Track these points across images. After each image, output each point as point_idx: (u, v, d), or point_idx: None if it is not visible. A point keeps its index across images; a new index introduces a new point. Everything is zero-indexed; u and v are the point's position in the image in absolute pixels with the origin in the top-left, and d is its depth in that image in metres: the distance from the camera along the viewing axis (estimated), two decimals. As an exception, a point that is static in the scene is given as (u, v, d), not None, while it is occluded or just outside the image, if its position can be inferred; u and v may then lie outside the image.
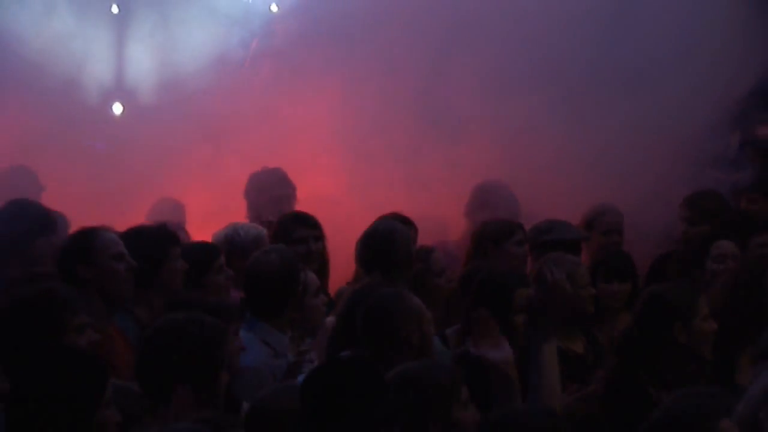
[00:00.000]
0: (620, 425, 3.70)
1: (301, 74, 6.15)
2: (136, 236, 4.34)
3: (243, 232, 5.03)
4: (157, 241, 4.30)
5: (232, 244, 4.87)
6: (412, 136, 6.18)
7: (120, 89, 6.48)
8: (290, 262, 4.46)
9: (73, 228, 4.77)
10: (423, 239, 5.28)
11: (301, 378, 3.39)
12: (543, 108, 6.07)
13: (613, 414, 3.82)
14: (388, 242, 4.40)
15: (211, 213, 5.61)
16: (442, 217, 5.92)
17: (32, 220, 4.68)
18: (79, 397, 2.86)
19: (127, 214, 5.27)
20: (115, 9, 6.38)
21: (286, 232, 5.01)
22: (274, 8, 6.42)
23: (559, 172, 5.93)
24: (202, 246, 4.72)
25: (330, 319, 4.35)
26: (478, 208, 5.62)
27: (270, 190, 5.57)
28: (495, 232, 5.04)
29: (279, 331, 4.12)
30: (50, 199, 5.14)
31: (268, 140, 6.00)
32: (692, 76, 6.17)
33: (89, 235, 4.13)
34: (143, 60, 6.43)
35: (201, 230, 5.40)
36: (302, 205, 5.60)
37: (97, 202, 5.41)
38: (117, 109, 6.32)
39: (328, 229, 5.05)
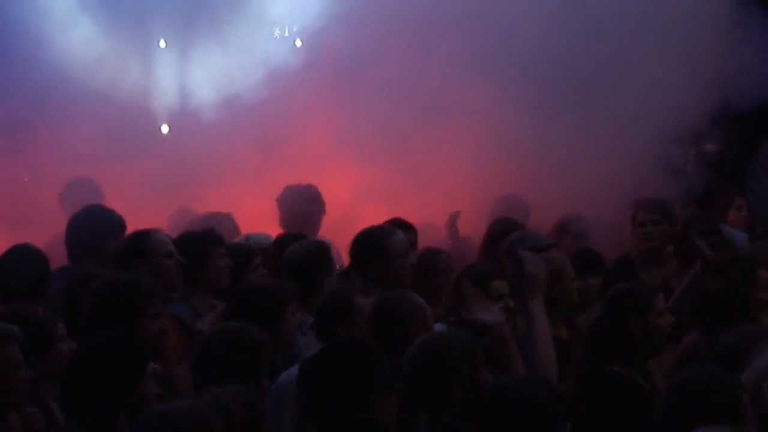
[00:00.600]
0: (590, 407, 3.77)
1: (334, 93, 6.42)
2: (185, 239, 4.66)
3: (253, 241, 5.24)
4: (202, 242, 4.54)
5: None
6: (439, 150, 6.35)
7: (176, 108, 6.74)
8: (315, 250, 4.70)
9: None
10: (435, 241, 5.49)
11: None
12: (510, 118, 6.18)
13: (583, 396, 3.88)
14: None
15: (262, 220, 5.78)
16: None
17: (104, 223, 4.94)
18: (125, 372, 3.07)
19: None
20: (162, 44, 6.72)
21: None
22: (298, 43, 6.68)
23: (529, 179, 6.15)
24: (242, 248, 4.93)
25: None
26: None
27: (299, 205, 5.74)
28: (495, 233, 5.23)
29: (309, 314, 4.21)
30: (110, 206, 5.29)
31: (310, 151, 6.25)
32: (658, 84, 6.19)
33: (143, 236, 4.42)
34: (198, 80, 6.74)
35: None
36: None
37: (153, 209, 5.75)
38: (164, 129, 6.64)
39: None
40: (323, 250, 4.68)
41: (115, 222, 4.92)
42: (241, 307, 4.03)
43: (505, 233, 5.00)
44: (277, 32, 6.72)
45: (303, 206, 5.78)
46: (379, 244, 4.53)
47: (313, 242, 4.89)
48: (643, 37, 6.29)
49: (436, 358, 3.18)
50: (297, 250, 4.72)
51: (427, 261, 4.87)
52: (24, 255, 4.52)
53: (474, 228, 5.98)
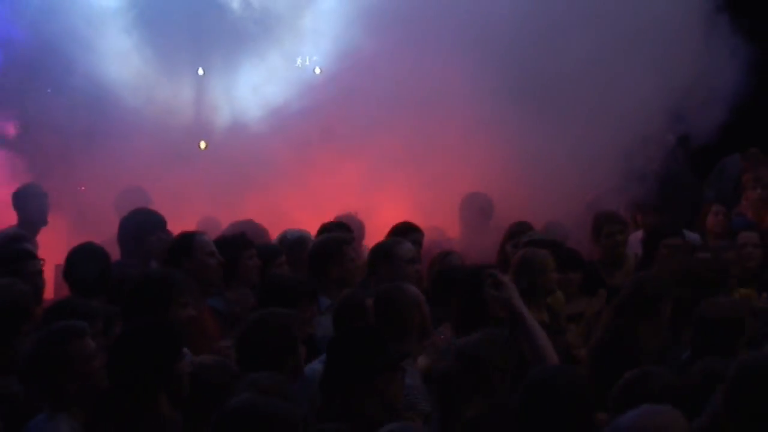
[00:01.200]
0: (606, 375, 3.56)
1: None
2: (220, 242, 4.82)
3: (289, 234, 5.43)
4: (236, 245, 4.77)
5: (281, 243, 5.32)
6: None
7: (214, 125, 7.03)
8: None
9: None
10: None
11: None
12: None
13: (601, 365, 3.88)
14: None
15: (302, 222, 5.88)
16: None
17: (148, 223, 5.21)
18: (162, 352, 3.19)
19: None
20: (201, 71, 7.01)
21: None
22: (317, 70, 6.97)
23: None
24: (268, 247, 5.15)
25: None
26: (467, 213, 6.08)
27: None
28: (513, 233, 5.38)
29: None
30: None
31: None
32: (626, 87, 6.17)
33: (190, 237, 4.69)
34: (221, 107, 7.05)
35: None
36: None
37: (194, 211, 6.03)
38: (202, 144, 6.96)
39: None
40: (335, 243, 4.83)
41: (158, 222, 5.18)
42: (267, 298, 4.21)
43: (519, 234, 5.26)
44: (299, 61, 6.96)
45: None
46: (389, 252, 4.76)
47: (328, 236, 5.06)
48: (609, 41, 6.27)
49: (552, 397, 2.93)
50: (315, 244, 5.00)
51: (440, 261, 5.05)
52: (89, 252, 4.74)
53: (444, 218, 6.10)
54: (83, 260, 4.64)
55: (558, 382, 2.99)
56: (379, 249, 4.86)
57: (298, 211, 6.11)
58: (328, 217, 5.79)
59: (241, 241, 4.77)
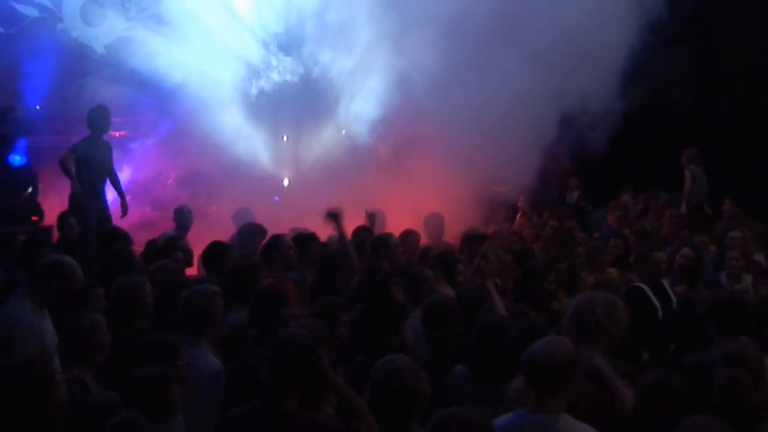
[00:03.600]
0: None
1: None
2: (295, 239, 5.20)
3: (297, 233, 5.55)
4: (299, 242, 5.21)
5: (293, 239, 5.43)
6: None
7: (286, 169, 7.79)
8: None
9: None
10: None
11: None
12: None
13: None
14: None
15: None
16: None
17: (254, 231, 5.65)
18: (268, 306, 3.46)
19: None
20: (285, 138, 7.91)
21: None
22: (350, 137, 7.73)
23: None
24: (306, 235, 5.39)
25: None
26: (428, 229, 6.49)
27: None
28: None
29: None
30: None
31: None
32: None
33: (276, 238, 5.11)
34: (297, 159, 7.85)
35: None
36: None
37: (281, 222, 6.35)
38: (285, 182, 7.92)
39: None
40: (341, 254, 5.09)
41: (259, 229, 5.66)
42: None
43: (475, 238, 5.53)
44: (343, 132, 7.81)
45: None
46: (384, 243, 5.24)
47: (337, 248, 5.27)
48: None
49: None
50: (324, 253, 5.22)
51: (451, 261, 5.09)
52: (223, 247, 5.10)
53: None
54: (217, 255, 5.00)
55: (503, 324, 3.22)
56: (380, 238, 5.36)
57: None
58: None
59: (305, 238, 5.36)
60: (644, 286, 4.89)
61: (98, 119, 6.89)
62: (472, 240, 5.52)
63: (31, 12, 8.09)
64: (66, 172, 6.66)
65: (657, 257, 5.40)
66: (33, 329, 3.64)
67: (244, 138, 7.71)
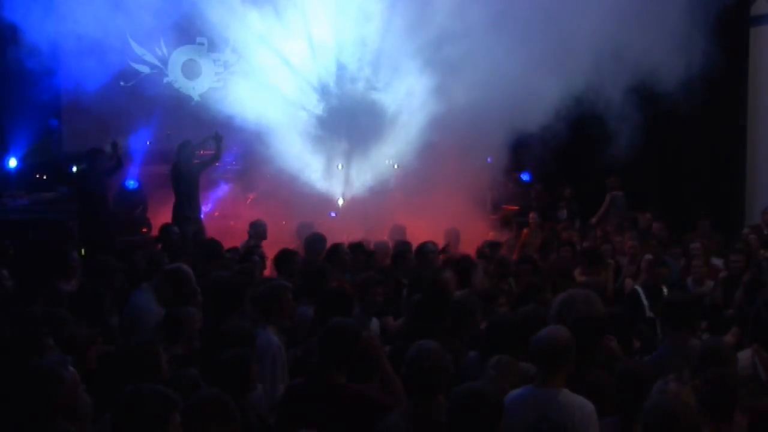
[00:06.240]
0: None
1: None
2: (350, 247, 5.47)
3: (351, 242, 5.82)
4: (354, 250, 5.45)
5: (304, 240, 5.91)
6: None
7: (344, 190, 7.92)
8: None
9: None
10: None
11: None
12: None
13: None
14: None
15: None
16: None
17: (317, 241, 5.74)
18: (336, 303, 3.48)
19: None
20: (339, 167, 7.90)
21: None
22: (396, 166, 7.94)
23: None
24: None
25: None
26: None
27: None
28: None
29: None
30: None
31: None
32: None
33: (336, 246, 5.34)
34: (348, 182, 7.98)
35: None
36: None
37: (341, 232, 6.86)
38: (340, 201, 7.89)
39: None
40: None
41: (320, 239, 5.85)
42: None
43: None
44: (388, 161, 7.98)
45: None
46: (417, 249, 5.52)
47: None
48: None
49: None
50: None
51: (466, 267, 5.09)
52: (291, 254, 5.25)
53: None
54: (287, 259, 5.13)
55: (508, 318, 3.31)
56: (402, 246, 5.63)
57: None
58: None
59: (357, 247, 5.66)
60: (640, 289, 5.19)
61: (183, 149, 7.36)
62: (492, 246, 5.93)
63: (143, 69, 8.62)
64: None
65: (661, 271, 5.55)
66: (152, 317, 3.87)
67: (306, 166, 7.88)
